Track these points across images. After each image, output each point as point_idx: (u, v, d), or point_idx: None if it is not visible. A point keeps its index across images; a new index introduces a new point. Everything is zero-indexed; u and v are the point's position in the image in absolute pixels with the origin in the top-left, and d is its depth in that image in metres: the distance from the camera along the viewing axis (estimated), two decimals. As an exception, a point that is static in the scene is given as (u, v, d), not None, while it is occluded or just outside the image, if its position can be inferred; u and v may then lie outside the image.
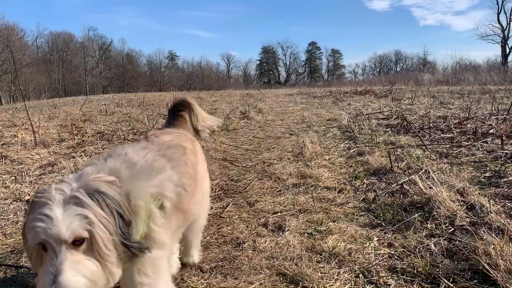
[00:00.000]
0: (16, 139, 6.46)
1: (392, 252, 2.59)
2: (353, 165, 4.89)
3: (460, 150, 5.03)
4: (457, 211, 2.96)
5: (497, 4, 42.38)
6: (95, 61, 58.73)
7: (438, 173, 3.91)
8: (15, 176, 4.48)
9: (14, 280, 2.36)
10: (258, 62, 78.87)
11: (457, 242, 2.59)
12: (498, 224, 2.69)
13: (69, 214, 1.27)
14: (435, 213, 3.00)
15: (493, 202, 3.13)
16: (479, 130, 6.06)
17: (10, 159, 5.38)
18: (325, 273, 2.36)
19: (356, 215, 3.28)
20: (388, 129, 7.11)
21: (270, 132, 8.06)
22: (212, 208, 3.62)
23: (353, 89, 20.38)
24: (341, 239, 2.80)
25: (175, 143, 2.04)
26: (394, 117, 8.44)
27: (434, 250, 2.54)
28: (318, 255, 2.59)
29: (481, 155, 4.72)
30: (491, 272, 2.10)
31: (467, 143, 5.36)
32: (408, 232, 2.84)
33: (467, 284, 2.14)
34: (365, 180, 4.17)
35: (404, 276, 2.28)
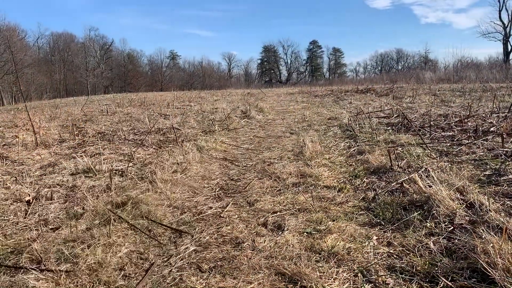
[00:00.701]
0: (17, 139, 6.48)
1: (391, 251, 2.59)
2: (353, 164, 4.89)
3: (461, 149, 5.02)
4: (457, 210, 2.96)
5: (499, 1, 42.15)
6: (97, 61, 58.71)
7: (438, 172, 3.90)
8: (16, 177, 4.50)
9: (14, 281, 2.37)
10: (259, 61, 78.74)
11: (456, 240, 2.59)
12: (497, 222, 2.69)
13: None
14: (434, 211, 3.00)
15: (493, 200, 3.12)
16: (480, 128, 6.04)
17: (11, 160, 5.40)
18: (324, 272, 2.37)
19: (356, 214, 3.28)
20: (389, 127, 7.10)
21: (271, 131, 8.06)
22: (212, 207, 3.63)
23: (354, 88, 20.40)
24: (340, 238, 2.81)
25: None
26: (395, 115, 8.43)
27: (433, 249, 2.55)
28: (317, 255, 2.59)
29: (482, 153, 4.71)
30: (489, 270, 2.10)
31: (467, 141, 5.35)
32: (408, 231, 2.84)
33: (465, 282, 2.14)
34: (365, 179, 4.17)
35: (403, 275, 2.28)
